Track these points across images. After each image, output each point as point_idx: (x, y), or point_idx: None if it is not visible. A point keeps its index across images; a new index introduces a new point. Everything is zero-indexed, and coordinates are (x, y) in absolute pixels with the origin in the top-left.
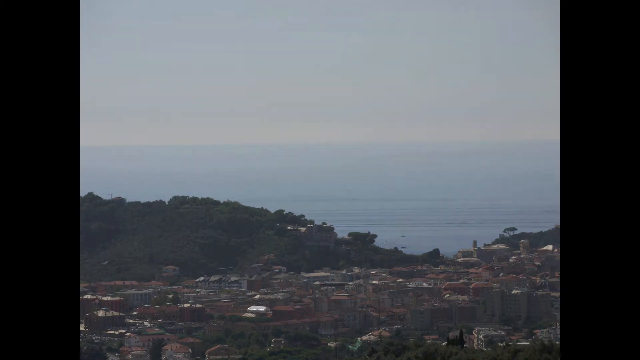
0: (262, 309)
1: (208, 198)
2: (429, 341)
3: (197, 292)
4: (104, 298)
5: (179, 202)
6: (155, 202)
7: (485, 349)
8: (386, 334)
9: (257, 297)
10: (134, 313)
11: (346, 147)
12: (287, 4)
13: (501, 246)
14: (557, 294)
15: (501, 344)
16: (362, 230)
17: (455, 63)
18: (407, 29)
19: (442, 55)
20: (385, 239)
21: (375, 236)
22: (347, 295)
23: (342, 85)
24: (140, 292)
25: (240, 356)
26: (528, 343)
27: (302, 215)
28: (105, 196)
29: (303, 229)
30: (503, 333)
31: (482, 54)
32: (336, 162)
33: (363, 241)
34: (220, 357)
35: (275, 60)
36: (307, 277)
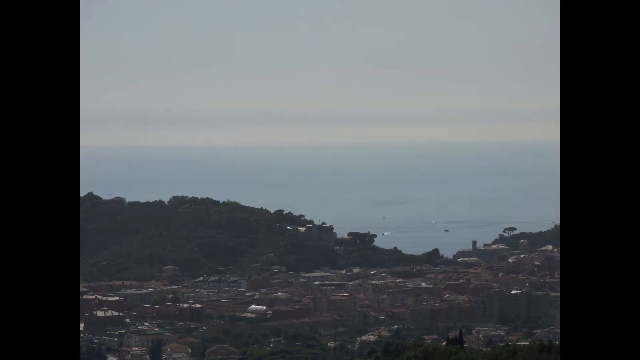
0: (261, 308)
1: (207, 198)
2: (428, 341)
3: (197, 292)
4: (104, 298)
5: (179, 202)
6: (155, 202)
7: (484, 349)
8: (385, 333)
9: (256, 297)
10: (134, 313)
11: (348, 147)
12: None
13: (501, 246)
14: (557, 294)
15: (501, 344)
16: (362, 230)
17: (458, 65)
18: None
19: (446, 57)
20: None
21: (375, 236)
22: (347, 295)
23: (341, 87)
24: (140, 292)
25: (240, 356)
26: (527, 343)
27: (302, 215)
28: (105, 196)
29: (302, 229)
30: (502, 333)
31: (483, 56)
32: (337, 162)
33: (362, 241)
34: (220, 356)
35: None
36: (307, 277)
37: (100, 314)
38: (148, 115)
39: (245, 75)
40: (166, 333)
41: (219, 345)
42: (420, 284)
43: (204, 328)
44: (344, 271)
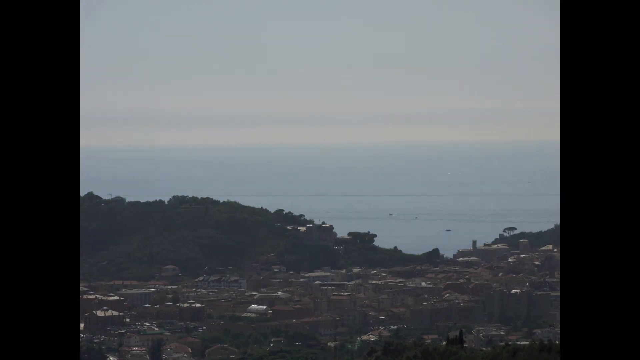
0: (261, 308)
1: (207, 198)
2: (428, 341)
3: (197, 291)
4: (104, 298)
5: (179, 201)
6: (155, 202)
7: (484, 349)
8: (385, 333)
9: (256, 296)
10: (134, 313)
11: (349, 147)
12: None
13: (501, 246)
14: (557, 294)
15: (501, 344)
16: (362, 229)
17: (462, 67)
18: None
19: (446, 58)
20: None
21: (375, 236)
22: (347, 295)
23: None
24: (140, 291)
25: (240, 356)
26: (527, 342)
27: (302, 215)
28: (105, 196)
29: (302, 229)
30: (502, 332)
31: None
32: (337, 162)
33: (362, 241)
34: (220, 356)
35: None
36: (307, 277)
37: (100, 314)
38: (148, 115)
39: (245, 76)
40: (166, 333)
41: (219, 345)
42: (420, 284)
43: (204, 328)
44: (344, 271)
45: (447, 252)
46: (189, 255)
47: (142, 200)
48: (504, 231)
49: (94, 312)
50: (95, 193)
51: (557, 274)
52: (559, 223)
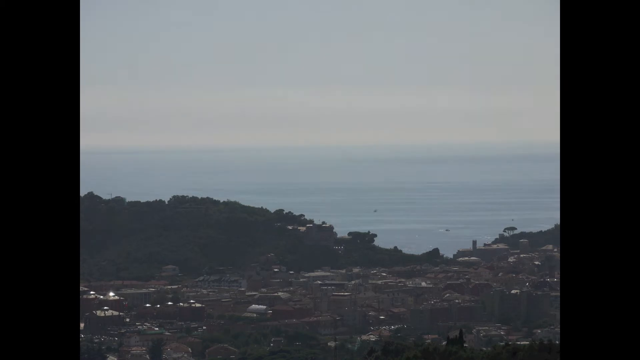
0: (261, 308)
1: (207, 198)
2: (428, 341)
3: (197, 291)
4: (104, 298)
5: (179, 201)
6: (155, 202)
7: (484, 348)
8: (386, 333)
9: (256, 296)
10: (134, 313)
11: (350, 147)
12: None
13: (501, 246)
14: (557, 294)
15: (501, 344)
16: (362, 229)
17: (461, 68)
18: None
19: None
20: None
21: (375, 235)
22: (347, 295)
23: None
24: (140, 291)
25: (240, 356)
26: (527, 342)
27: (302, 215)
28: (105, 196)
29: (302, 228)
30: (502, 332)
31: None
32: (338, 162)
33: (363, 240)
34: (220, 356)
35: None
36: (307, 277)
37: (100, 314)
38: (149, 116)
39: (244, 76)
40: (166, 333)
41: (219, 345)
42: (420, 284)
43: (204, 328)
44: (344, 271)
45: (447, 252)
46: (189, 255)
47: (142, 200)
48: (504, 231)
49: (94, 312)
50: (95, 193)
51: (557, 274)
52: (559, 223)
